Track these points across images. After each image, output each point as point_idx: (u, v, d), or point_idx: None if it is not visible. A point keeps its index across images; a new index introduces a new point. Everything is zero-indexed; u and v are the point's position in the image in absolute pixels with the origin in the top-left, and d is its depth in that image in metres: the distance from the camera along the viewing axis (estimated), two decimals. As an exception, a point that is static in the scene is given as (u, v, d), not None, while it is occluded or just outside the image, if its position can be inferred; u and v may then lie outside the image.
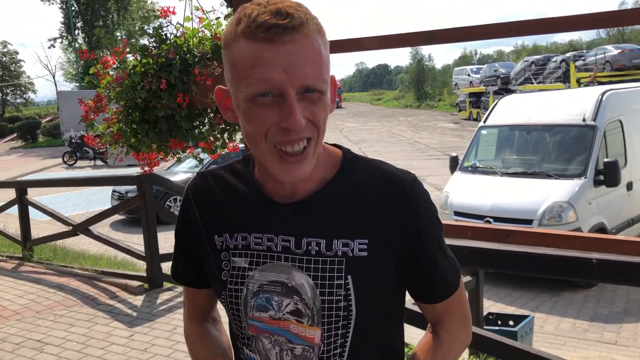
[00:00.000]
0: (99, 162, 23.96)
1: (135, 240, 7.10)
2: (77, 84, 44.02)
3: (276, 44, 0.97)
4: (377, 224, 1.11)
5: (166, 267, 6.29)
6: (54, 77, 55.43)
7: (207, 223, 1.20)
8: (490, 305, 6.33)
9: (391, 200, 1.12)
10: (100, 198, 13.84)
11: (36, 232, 8.13)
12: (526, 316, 4.83)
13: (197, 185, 1.24)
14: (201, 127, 3.21)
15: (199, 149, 3.20)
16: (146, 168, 3.19)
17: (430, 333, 1.24)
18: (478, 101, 30.46)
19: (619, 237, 2.99)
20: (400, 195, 1.12)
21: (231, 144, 3.16)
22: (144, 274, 6.06)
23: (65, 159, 24.07)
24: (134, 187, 11.00)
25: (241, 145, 3.16)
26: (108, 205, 10.75)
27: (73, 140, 24.44)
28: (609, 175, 7.08)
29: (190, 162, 14.06)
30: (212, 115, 3.16)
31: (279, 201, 1.14)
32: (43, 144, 35.11)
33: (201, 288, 1.29)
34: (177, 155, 3.17)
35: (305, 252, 1.10)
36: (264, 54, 0.97)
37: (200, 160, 3.34)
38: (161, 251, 6.03)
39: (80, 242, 9.01)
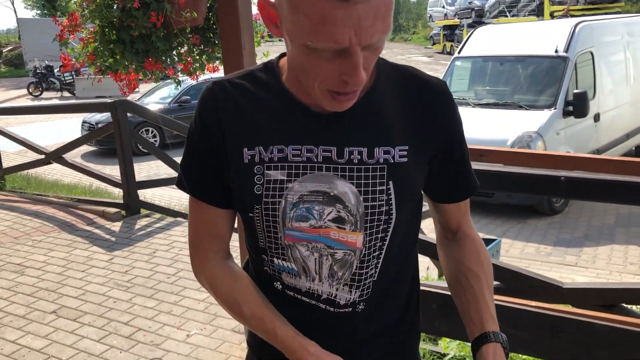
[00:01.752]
0: (66, 94, 23.29)
1: (108, 172, 7.06)
2: (39, 12, 42.12)
3: (350, 4, 0.91)
4: (415, 130, 1.14)
5: (142, 194, 6.33)
6: (13, 3, 52.81)
7: (232, 135, 1.14)
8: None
9: (428, 105, 1.15)
10: (70, 130, 13.58)
11: (6, 164, 8.01)
12: (493, 239, 5.06)
13: (215, 94, 1.16)
14: (179, 47, 3.19)
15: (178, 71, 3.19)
16: (125, 90, 3.17)
17: (454, 239, 1.28)
18: (452, 34, 30.25)
19: (587, 155, 3.12)
20: (436, 100, 1.16)
21: (210, 65, 3.16)
22: (121, 201, 6.09)
23: (30, 90, 23.28)
24: (105, 117, 10.86)
25: (222, 67, 3.16)
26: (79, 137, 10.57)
27: (38, 71, 23.55)
28: (578, 107, 7.25)
29: (161, 93, 13.83)
30: (189, 36, 3.14)
31: (318, 111, 1.12)
32: (5, 74, 33.83)
33: (223, 207, 1.20)
34: (156, 76, 3.15)
35: (348, 161, 1.11)
36: (336, 13, 0.91)
37: (179, 83, 3.34)
38: (137, 178, 6.05)
39: (53, 172, 8.93)
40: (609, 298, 2.43)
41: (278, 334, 1.15)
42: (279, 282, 1.20)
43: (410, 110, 1.14)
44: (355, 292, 1.16)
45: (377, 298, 1.19)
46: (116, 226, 5.73)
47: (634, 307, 2.73)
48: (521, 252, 6.25)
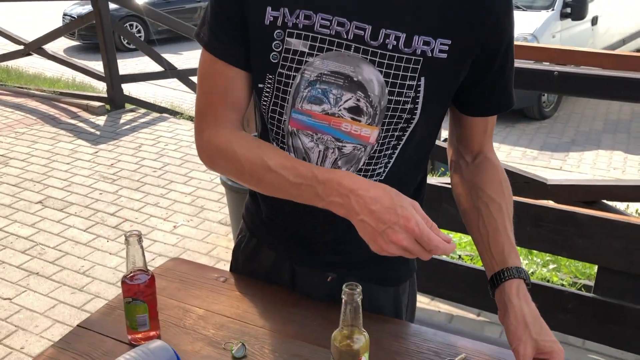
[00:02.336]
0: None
1: (92, 67, 6.85)
2: None
3: None
4: (462, 25, 0.98)
5: (127, 88, 6.19)
6: None
7: None
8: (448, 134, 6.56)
9: (482, 1, 0.99)
10: (48, 21, 13.05)
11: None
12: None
13: None
14: None
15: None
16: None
17: (474, 163, 1.16)
18: None
19: (581, 49, 3.05)
20: None
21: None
22: (105, 95, 5.96)
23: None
24: (87, 10, 10.38)
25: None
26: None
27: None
28: (576, 8, 7.03)
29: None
30: None
31: None
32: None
33: (241, 67, 1.06)
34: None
35: (381, 45, 0.97)
36: None
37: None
38: (121, 72, 5.89)
39: (34, 66, 8.66)
40: (591, 194, 2.46)
41: (317, 174, 0.96)
42: None
43: (462, 2, 0.98)
44: None
45: None
46: (101, 120, 5.64)
47: (615, 204, 2.78)
48: (507, 155, 6.28)
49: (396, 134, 1.03)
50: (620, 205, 3.01)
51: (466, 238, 3.30)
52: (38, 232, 3.61)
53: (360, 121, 1.01)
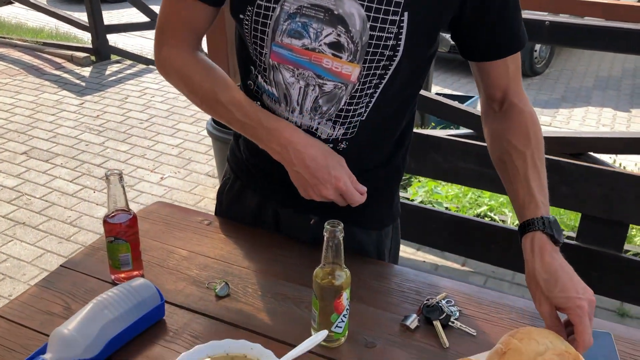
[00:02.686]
0: None
1: (76, 17, 6.68)
2: None
3: None
4: None
5: (112, 39, 6.06)
6: None
7: None
8: (438, 91, 6.52)
9: None
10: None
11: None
12: (471, 97, 5.05)
13: None
14: None
15: None
16: None
17: (501, 111, 1.10)
18: None
19: None
20: None
21: None
22: (90, 46, 5.84)
23: None
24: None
25: None
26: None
27: None
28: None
29: None
30: None
31: None
32: None
33: (210, 3, 1.06)
34: None
35: None
36: None
37: None
38: (106, 23, 5.75)
39: (17, 16, 8.43)
40: (578, 146, 2.46)
41: (261, 118, 1.03)
42: (258, 103, 1.10)
43: None
44: (339, 128, 1.07)
45: (362, 139, 1.10)
46: (86, 71, 5.54)
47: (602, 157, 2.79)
48: (497, 111, 6.28)
49: (378, 72, 1.01)
50: (606, 158, 3.02)
51: (452, 190, 3.33)
52: (24, 182, 3.58)
53: (341, 57, 0.99)
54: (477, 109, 5.30)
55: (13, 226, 3.14)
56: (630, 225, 3.03)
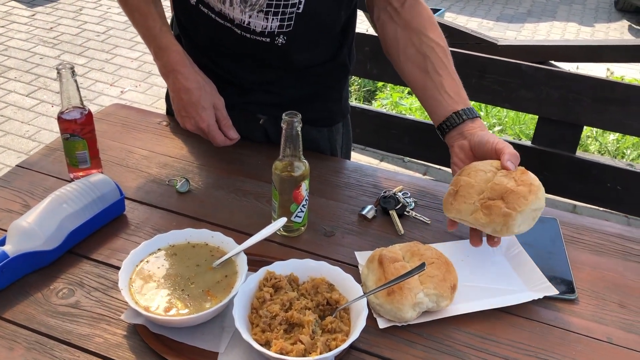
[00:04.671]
0: None
1: None
2: None
3: None
4: None
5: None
6: None
7: None
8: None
9: None
10: None
11: None
12: (438, 9, 4.98)
13: None
14: None
15: None
16: None
17: (404, 7, 1.09)
18: None
19: None
20: None
21: None
22: (38, -46, 5.48)
23: None
24: None
25: None
26: None
27: None
28: None
29: None
30: None
31: None
32: None
33: None
34: None
35: None
36: None
37: None
38: None
39: None
40: (540, 54, 2.47)
41: (157, 34, 1.11)
42: None
43: None
44: (273, 20, 1.06)
45: (300, 33, 1.08)
46: (36, -19, 5.24)
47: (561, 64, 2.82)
48: (464, 25, 6.22)
49: None
50: (569, 66, 3.06)
51: (416, 102, 3.33)
52: (-24, 97, 3.46)
53: None
54: (445, 19, 5.26)
55: (-32, 141, 3.05)
56: (586, 131, 3.11)
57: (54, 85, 3.59)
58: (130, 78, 3.73)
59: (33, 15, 4.54)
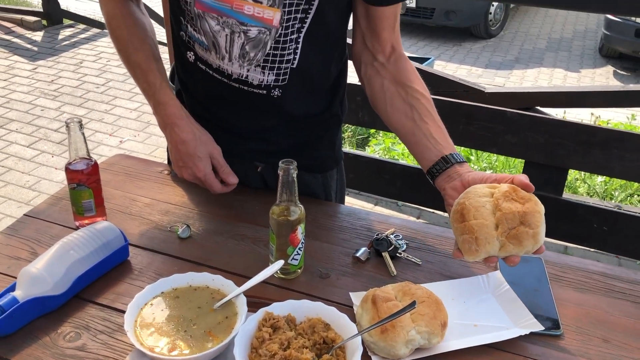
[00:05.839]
0: None
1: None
2: None
3: None
4: None
5: (64, 2, 5.89)
6: None
7: None
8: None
9: None
10: None
11: None
12: (428, 58, 5.14)
13: None
14: None
15: None
16: None
17: (390, 61, 1.17)
18: None
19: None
20: None
21: None
22: (41, 10, 5.66)
23: None
24: None
25: None
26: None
27: None
28: None
29: None
30: None
31: None
32: None
33: None
34: None
35: None
36: None
37: None
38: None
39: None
40: (526, 101, 2.57)
41: (156, 90, 1.15)
42: (192, 53, 1.17)
43: None
44: (269, 74, 1.12)
45: (295, 86, 1.15)
46: (37, 36, 5.39)
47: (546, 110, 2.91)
48: (454, 73, 6.37)
49: (299, 16, 1.06)
50: (555, 112, 3.16)
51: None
52: (-22, 149, 3.52)
53: (261, 3, 1.04)
54: (434, 68, 5.41)
55: (-31, 192, 3.10)
56: (574, 174, 3.18)
57: (54, 136, 3.67)
58: (129, 128, 3.81)
59: (35, 68, 4.66)
